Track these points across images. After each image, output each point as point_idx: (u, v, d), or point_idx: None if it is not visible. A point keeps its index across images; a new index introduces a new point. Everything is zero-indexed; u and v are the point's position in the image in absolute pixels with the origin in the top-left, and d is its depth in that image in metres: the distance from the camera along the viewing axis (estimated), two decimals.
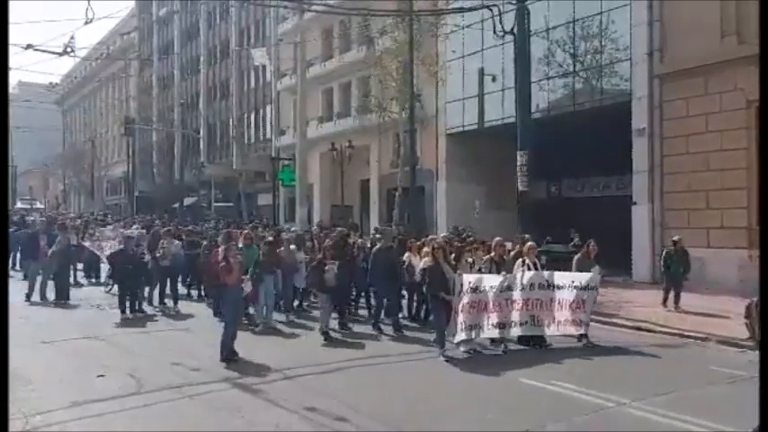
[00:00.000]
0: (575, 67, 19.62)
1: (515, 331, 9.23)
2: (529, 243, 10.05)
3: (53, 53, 17.39)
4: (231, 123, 40.98)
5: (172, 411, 6.61)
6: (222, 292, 9.23)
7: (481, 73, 22.22)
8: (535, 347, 9.31)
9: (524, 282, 9.20)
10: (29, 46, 17.30)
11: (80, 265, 17.10)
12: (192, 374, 7.92)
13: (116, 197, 56.72)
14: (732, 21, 15.00)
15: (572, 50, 19.60)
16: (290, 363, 8.44)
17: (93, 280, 17.01)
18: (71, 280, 15.45)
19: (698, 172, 15.70)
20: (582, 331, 9.48)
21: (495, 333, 9.09)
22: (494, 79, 21.62)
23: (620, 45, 18.08)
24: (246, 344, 9.61)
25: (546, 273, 9.60)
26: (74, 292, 14.46)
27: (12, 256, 17.69)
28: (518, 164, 13.74)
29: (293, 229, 18.76)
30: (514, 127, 14.34)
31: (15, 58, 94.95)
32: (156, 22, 52.41)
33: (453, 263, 9.61)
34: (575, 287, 9.43)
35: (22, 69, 43.49)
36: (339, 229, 13.58)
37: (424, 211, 23.49)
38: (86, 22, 12.53)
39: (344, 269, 10.45)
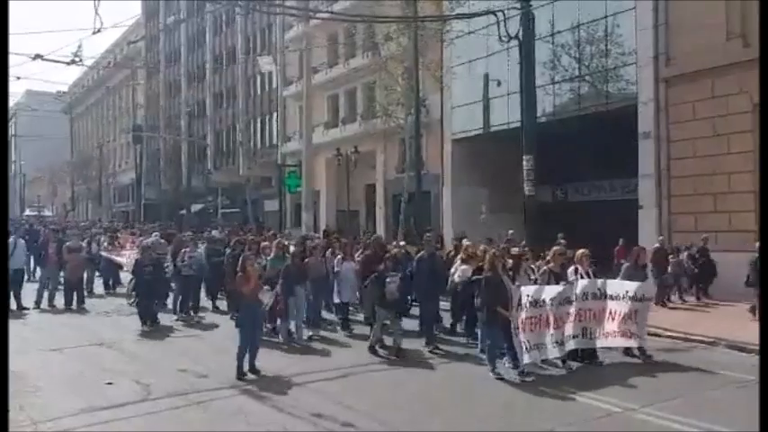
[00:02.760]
0: (580, 71, 19.60)
1: (569, 345, 8.43)
2: (581, 250, 9.23)
3: (61, 62, 17.53)
4: (237, 130, 41.14)
5: (179, 418, 6.64)
6: (240, 303, 8.75)
7: (486, 78, 22.24)
8: (586, 363, 8.58)
9: (578, 291, 8.50)
10: (37, 56, 17.44)
11: (97, 273, 16.84)
12: (200, 381, 7.95)
13: (124, 204, 56.97)
14: (737, 23, 14.97)
15: (577, 55, 19.59)
16: (296, 369, 8.46)
17: (112, 290, 16.58)
18: (88, 289, 15.46)
19: (705, 175, 15.64)
20: (632, 344, 8.85)
21: (557, 352, 8.28)
22: (499, 84, 21.62)
23: (626, 49, 18.06)
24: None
25: (599, 281, 8.86)
26: (87, 301, 14.47)
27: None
28: (524, 168, 13.73)
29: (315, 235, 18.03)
30: (520, 131, 14.34)
31: (24, 67, 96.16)
32: (162, 30, 52.73)
33: (510, 273, 8.82)
34: (629, 297, 8.71)
35: (30, 78, 43.79)
36: (376, 235, 12.81)
37: (430, 216, 23.48)
38: (95, 32, 12.66)
39: (405, 282, 9.69)
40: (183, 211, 42.41)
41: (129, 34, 51.27)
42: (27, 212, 59.81)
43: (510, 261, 9.13)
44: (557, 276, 8.71)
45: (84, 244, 15.83)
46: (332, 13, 23.35)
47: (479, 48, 21.80)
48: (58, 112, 68.27)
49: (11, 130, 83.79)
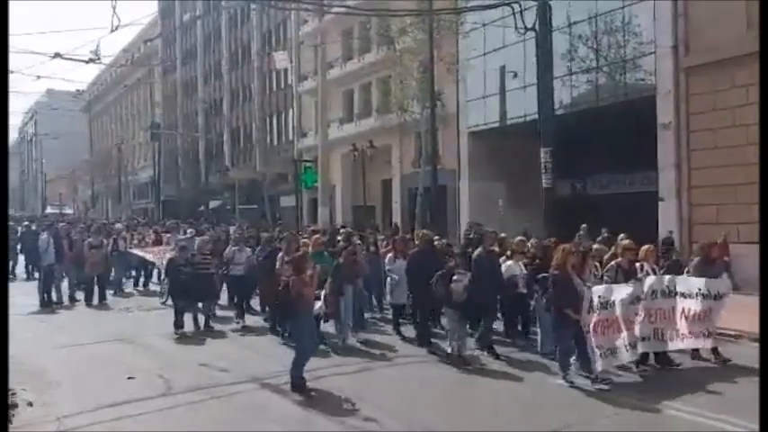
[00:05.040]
0: (598, 62, 19.38)
1: (639, 348, 7.80)
2: (647, 246, 8.59)
3: (80, 61, 17.75)
4: (254, 126, 41.35)
5: (200, 413, 6.69)
6: (292, 309, 7.66)
7: (502, 70, 22.07)
8: (661, 367, 8.00)
9: (646, 289, 7.87)
10: (56, 55, 17.64)
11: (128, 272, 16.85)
12: (221, 376, 8.01)
13: (143, 201, 57.57)
14: (758, 11, 14.67)
15: (595, 45, 19.36)
16: (317, 364, 8.47)
17: (141, 288, 16.50)
18: (115, 286, 15.60)
19: (726, 166, 15.39)
20: (706, 345, 8.25)
21: (630, 356, 7.66)
22: (515, 76, 21.46)
23: (644, 39, 17.81)
24: (272, 347, 9.70)
25: (666, 278, 8.23)
26: (111, 298, 14.60)
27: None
28: (541, 161, 13.61)
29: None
30: (537, 124, 14.22)
31: (43, 66, 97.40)
32: (179, 27, 53.08)
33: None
34: (702, 295, 8.06)
35: (50, 78, 44.25)
36: (424, 231, 11.73)
37: (447, 211, 23.41)
38: (112, 30, 12.78)
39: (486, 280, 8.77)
40: (202, 208, 42.79)
41: (145, 32, 51.67)
42: (49, 210, 60.74)
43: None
44: (625, 273, 8.05)
45: (106, 241, 15.88)
46: (347, 7, 23.35)
47: (495, 40, 21.64)
48: (77, 111, 69.15)
49: (31, 129, 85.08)
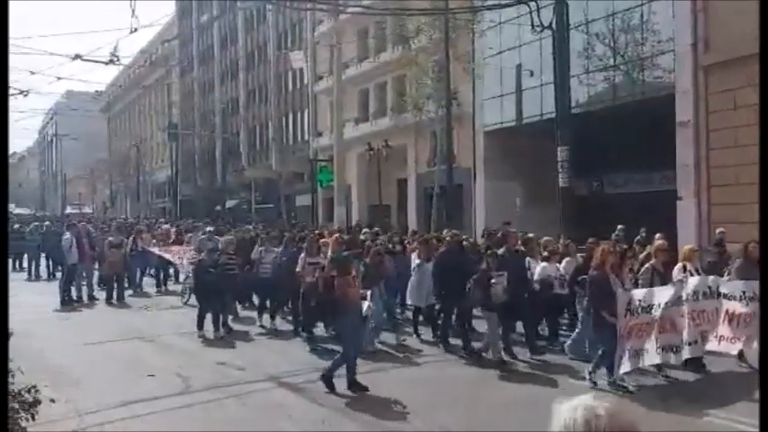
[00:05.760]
0: (615, 60, 19.22)
1: (685, 353, 7.45)
2: (688, 246, 8.36)
3: (100, 62, 17.90)
4: (270, 126, 41.58)
5: (219, 411, 6.76)
6: (337, 311, 7.42)
7: (518, 69, 21.98)
8: (692, 370, 7.69)
9: (689, 291, 7.57)
10: (77, 56, 17.88)
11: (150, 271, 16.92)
12: (239, 374, 8.08)
13: (161, 201, 58.14)
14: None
15: (612, 43, 19.21)
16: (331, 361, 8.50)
17: (162, 288, 16.43)
18: (135, 285, 15.76)
19: (746, 165, 15.17)
20: (747, 348, 7.82)
21: (660, 358, 7.34)
22: (531, 75, 21.36)
23: (663, 36, 17.64)
24: (287, 346, 9.76)
25: (710, 278, 7.87)
26: (130, 297, 14.75)
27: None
28: (558, 160, 13.55)
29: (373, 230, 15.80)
30: (553, 123, 14.15)
31: (63, 68, 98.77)
32: (196, 28, 53.54)
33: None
34: (748, 298, 7.58)
35: (69, 79, 44.87)
36: (452, 231, 11.33)
37: (462, 210, 23.37)
38: (131, 32, 12.93)
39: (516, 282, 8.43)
40: (218, 207, 43.13)
41: (163, 33, 52.18)
42: (68, 210, 61.55)
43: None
44: (660, 275, 7.81)
45: (126, 240, 16.04)
46: (362, 6, 23.39)
47: (511, 38, 21.55)
48: (96, 112, 70.02)
49: (51, 130, 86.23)
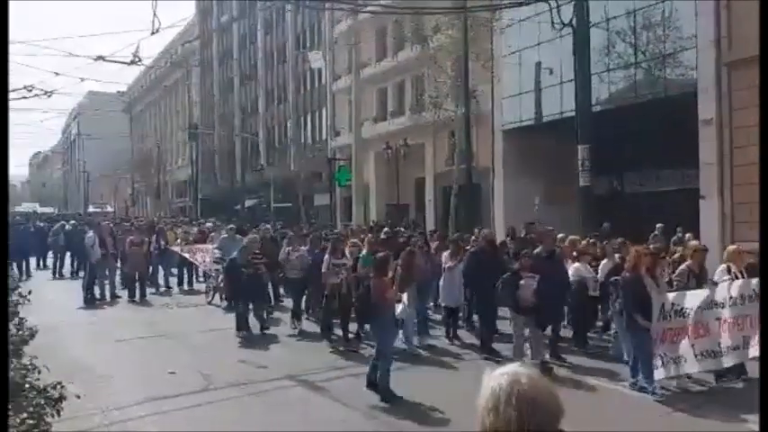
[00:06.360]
0: (636, 57, 19.01)
1: (727, 360, 7.15)
2: (733, 246, 8.06)
3: (122, 63, 18.08)
4: (289, 126, 41.78)
5: (240, 408, 6.83)
6: (373, 313, 7.24)
7: (538, 67, 21.84)
8: (733, 378, 7.35)
9: (734, 294, 7.23)
10: (99, 57, 18.08)
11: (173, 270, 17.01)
12: (260, 372, 8.15)
13: (181, 200, 58.74)
14: None
15: (633, 40, 19.00)
16: (353, 361, 8.54)
17: (186, 287, 16.49)
18: (156, 283, 15.98)
19: None
20: None
21: (703, 365, 7.04)
22: (551, 72, 21.21)
23: (685, 33, 17.39)
24: (308, 345, 9.80)
25: (753, 281, 7.44)
26: (153, 296, 14.92)
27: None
28: (579, 158, 13.44)
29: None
30: (573, 121, 14.04)
31: (86, 68, 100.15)
32: (215, 29, 54.00)
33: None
34: None
35: (92, 80, 45.60)
36: (485, 231, 10.86)
37: (481, 209, 23.28)
38: (153, 33, 13.06)
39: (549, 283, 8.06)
40: (238, 206, 43.44)
41: (184, 34, 52.70)
42: (91, 209, 62.46)
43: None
44: (697, 277, 7.58)
45: (147, 239, 16.21)
46: (381, 6, 23.39)
47: (530, 36, 21.41)
48: (118, 112, 70.91)
49: (74, 130, 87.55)
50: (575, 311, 9.25)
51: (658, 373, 6.82)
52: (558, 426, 1.84)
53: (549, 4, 13.51)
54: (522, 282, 7.90)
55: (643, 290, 6.93)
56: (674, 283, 7.79)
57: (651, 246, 8.75)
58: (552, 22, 13.51)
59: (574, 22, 13.36)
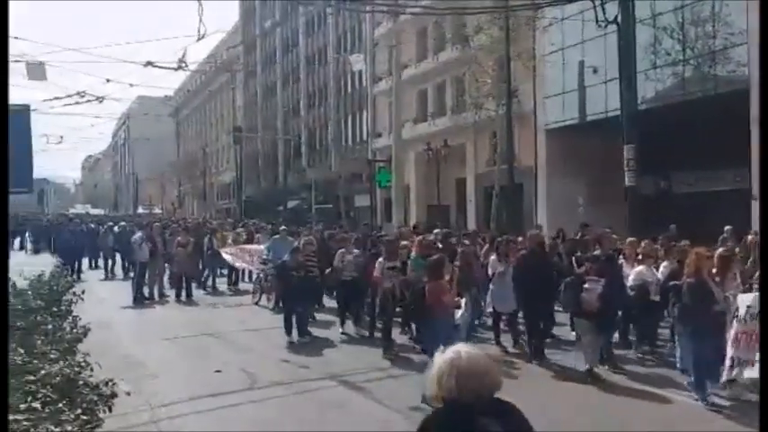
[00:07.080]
0: (684, 54, 18.50)
1: None
2: None
3: (169, 68, 18.69)
4: (330, 128, 42.16)
5: (284, 407, 6.94)
6: (429, 317, 6.93)
7: (581, 65, 21.48)
8: None
9: None
10: (148, 63, 18.67)
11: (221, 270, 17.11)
12: (301, 371, 8.25)
13: (226, 201, 59.91)
14: None
15: (681, 37, 18.49)
16: (396, 363, 8.51)
17: (233, 287, 16.62)
18: (204, 283, 16.31)
19: None
20: None
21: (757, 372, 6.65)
22: (595, 71, 20.83)
23: (735, 29, 16.84)
24: (350, 346, 9.85)
25: None
26: (201, 295, 15.21)
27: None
28: (624, 158, 13.17)
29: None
30: (619, 120, 13.76)
31: (136, 74, 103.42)
32: (258, 34, 54.93)
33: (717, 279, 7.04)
34: None
35: (141, 85, 47.00)
36: (533, 232, 10.50)
37: (523, 210, 23.02)
38: (198, 39, 13.40)
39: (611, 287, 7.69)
40: (280, 208, 44.09)
41: (228, 39, 53.76)
42: (140, 210, 64.36)
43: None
44: None
45: (193, 239, 16.51)
46: (422, 7, 23.39)
47: (573, 34, 21.09)
48: (165, 116, 72.85)
49: (124, 134, 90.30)
50: (637, 317, 8.88)
51: (725, 375, 6.50)
52: (494, 396, 2.22)
53: (593, 2, 13.27)
54: (586, 285, 7.56)
55: (706, 295, 6.61)
56: (754, 286, 7.18)
57: (721, 248, 8.18)
58: (597, 20, 13.27)
59: (619, 19, 13.08)
